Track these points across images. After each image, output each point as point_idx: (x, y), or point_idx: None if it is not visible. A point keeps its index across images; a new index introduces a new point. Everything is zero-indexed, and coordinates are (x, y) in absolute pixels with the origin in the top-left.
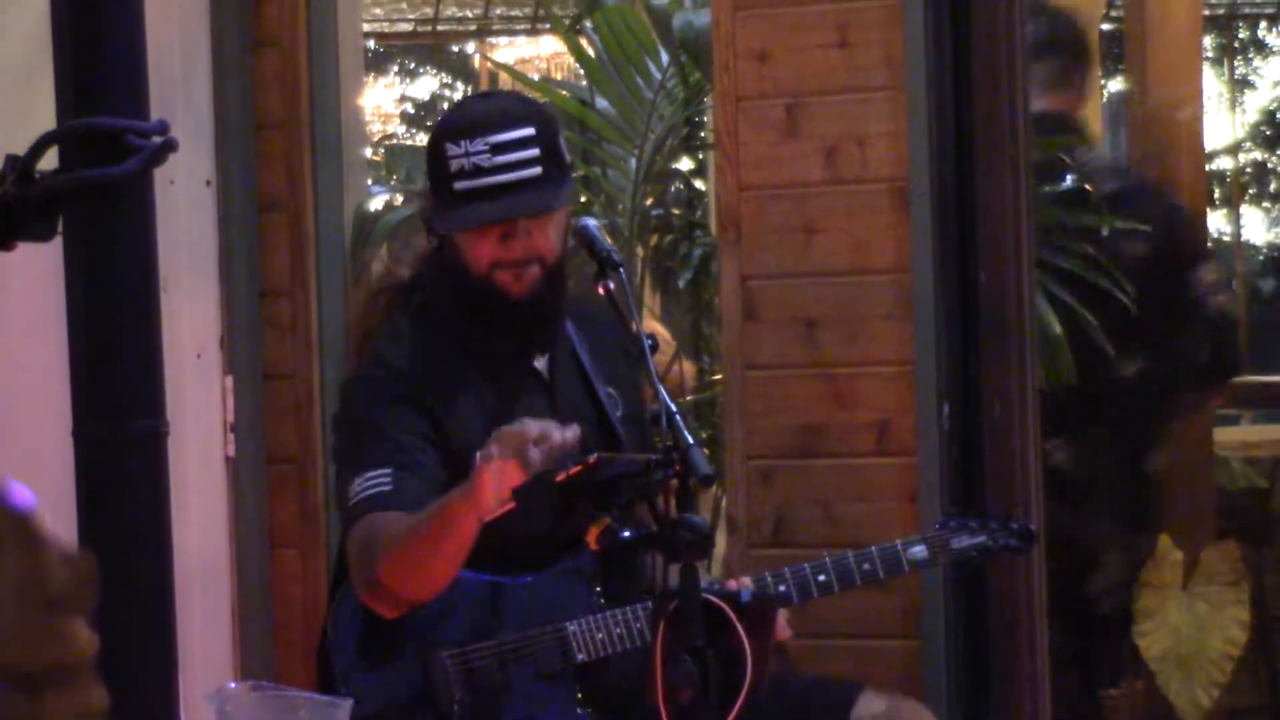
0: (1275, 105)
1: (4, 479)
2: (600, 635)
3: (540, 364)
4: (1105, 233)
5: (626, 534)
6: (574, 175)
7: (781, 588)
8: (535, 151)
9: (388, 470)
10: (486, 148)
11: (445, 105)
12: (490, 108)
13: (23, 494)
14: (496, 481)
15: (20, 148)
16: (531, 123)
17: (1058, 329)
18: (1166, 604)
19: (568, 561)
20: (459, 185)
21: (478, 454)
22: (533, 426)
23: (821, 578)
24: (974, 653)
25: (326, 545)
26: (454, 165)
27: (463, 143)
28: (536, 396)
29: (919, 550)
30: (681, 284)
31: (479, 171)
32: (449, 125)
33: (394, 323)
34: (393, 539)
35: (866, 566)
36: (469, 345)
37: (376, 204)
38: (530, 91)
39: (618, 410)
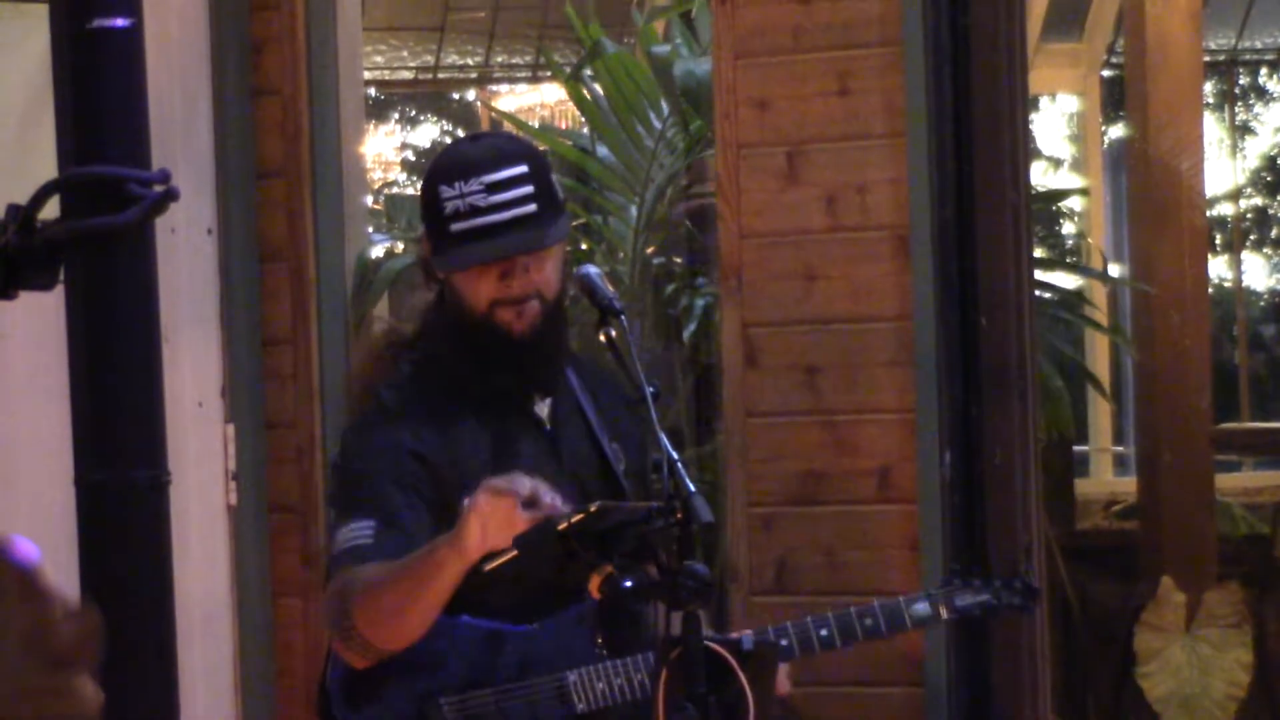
0: (1276, 151)
1: (8, 535)
2: (600, 685)
3: (542, 411)
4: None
5: (628, 583)
6: (570, 216)
7: (783, 641)
8: (529, 189)
9: (371, 523)
10: (481, 187)
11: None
12: (482, 148)
13: (27, 549)
14: (481, 530)
15: (22, 196)
16: (524, 161)
17: (1059, 381)
18: (1169, 646)
19: (569, 610)
20: (456, 227)
21: (465, 501)
22: (522, 484)
23: (824, 632)
24: (976, 701)
25: None
26: (449, 207)
27: (457, 184)
28: (539, 443)
29: (922, 607)
30: (686, 336)
31: (475, 211)
32: (441, 168)
33: (396, 372)
34: (371, 585)
35: (869, 621)
36: (470, 391)
37: (378, 252)
38: (531, 139)
39: (620, 464)
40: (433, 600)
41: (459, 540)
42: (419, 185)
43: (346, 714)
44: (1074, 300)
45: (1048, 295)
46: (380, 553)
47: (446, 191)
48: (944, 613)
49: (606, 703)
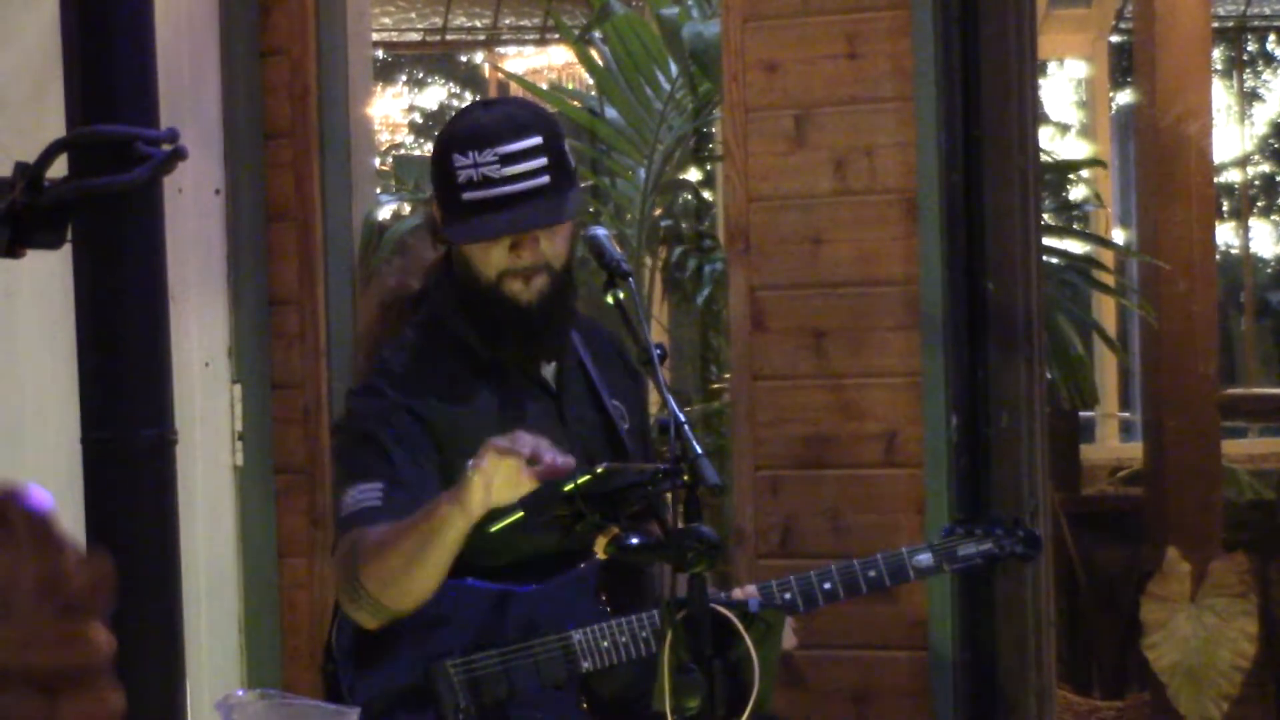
0: None
1: (21, 483)
2: (605, 644)
3: (548, 373)
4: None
5: (634, 540)
6: (581, 183)
7: (787, 595)
8: (543, 161)
9: (379, 485)
10: (495, 158)
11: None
12: (497, 117)
13: (41, 496)
14: (485, 489)
15: (30, 155)
16: (538, 132)
17: (1079, 348)
18: (1175, 616)
19: (572, 570)
20: (468, 196)
21: (469, 462)
22: (526, 442)
23: (827, 585)
24: (981, 665)
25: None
26: (462, 176)
27: (470, 153)
28: (544, 406)
29: (925, 558)
30: (699, 301)
31: (488, 182)
32: (455, 136)
33: (400, 333)
34: (377, 545)
35: (872, 574)
36: (476, 355)
37: (385, 213)
38: (540, 101)
39: (624, 423)
40: (437, 559)
41: (461, 497)
42: (427, 147)
43: (353, 677)
44: (1084, 265)
45: (1057, 260)
46: (389, 513)
47: (459, 160)
48: (947, 564)
49: (612, 660)
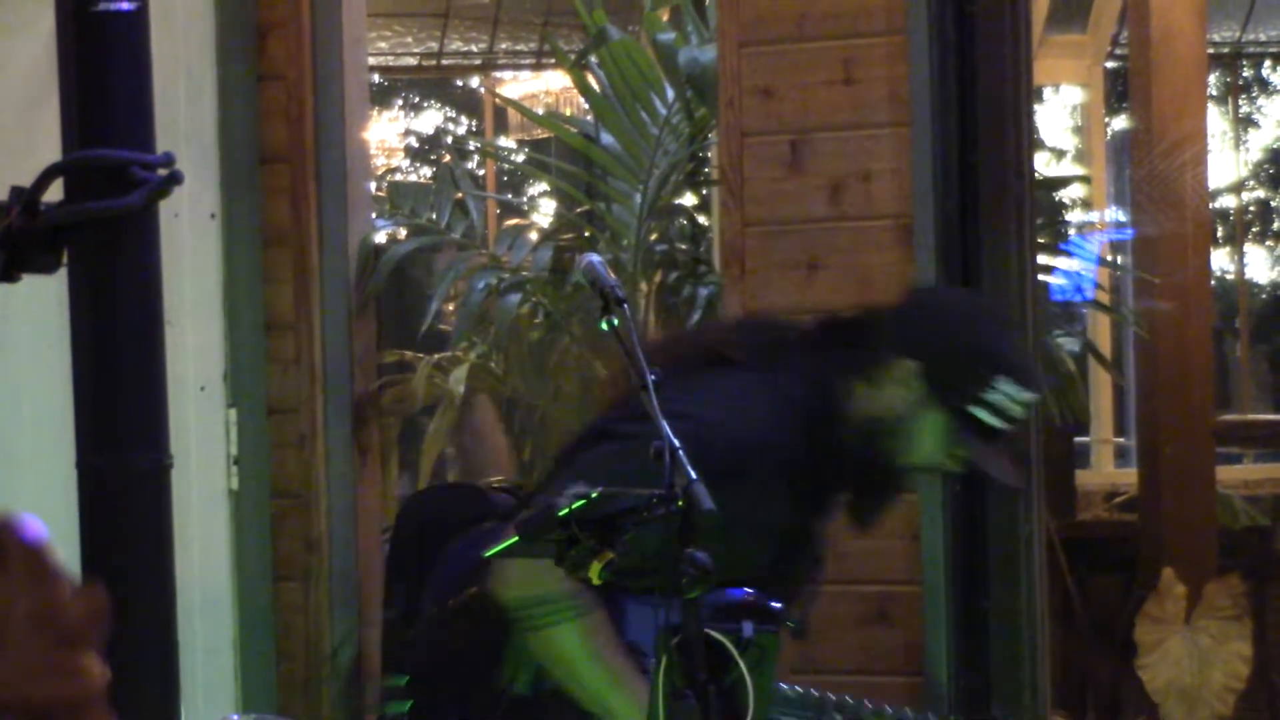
0: (1279, 144)
1: (17, 513)
2: None
3: None
4: None
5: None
6: (579, 210)
7: None
8: None
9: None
10: (1017, 404)
11: (450, 140)
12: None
13: (35, 528)
14: None
15: (26, 179)
16: None
17: (1070, 366)
18: (1169, 637)
19: None
20: (981, 414)
21: None
22: None
23: None
24: (976, 690)
25: (329, 578)
26: (994, 398)
27: (1012, 388)
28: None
29: None
30: (690, 326)
31: (1002, 417)
32: (1014, 363)
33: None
34: (591, 648)
35: None
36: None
37: (381, 237)
38: (535, 126)
39: None
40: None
41: None
42: (423, 172)
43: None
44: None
45: (1053, 280)
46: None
47: (1003, 384)
48: None
49: None
